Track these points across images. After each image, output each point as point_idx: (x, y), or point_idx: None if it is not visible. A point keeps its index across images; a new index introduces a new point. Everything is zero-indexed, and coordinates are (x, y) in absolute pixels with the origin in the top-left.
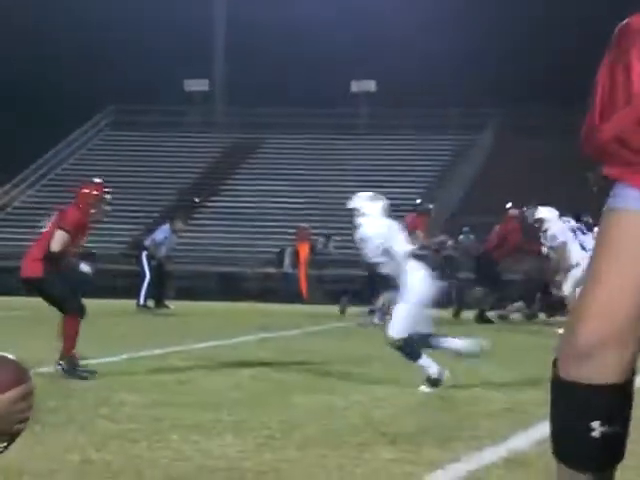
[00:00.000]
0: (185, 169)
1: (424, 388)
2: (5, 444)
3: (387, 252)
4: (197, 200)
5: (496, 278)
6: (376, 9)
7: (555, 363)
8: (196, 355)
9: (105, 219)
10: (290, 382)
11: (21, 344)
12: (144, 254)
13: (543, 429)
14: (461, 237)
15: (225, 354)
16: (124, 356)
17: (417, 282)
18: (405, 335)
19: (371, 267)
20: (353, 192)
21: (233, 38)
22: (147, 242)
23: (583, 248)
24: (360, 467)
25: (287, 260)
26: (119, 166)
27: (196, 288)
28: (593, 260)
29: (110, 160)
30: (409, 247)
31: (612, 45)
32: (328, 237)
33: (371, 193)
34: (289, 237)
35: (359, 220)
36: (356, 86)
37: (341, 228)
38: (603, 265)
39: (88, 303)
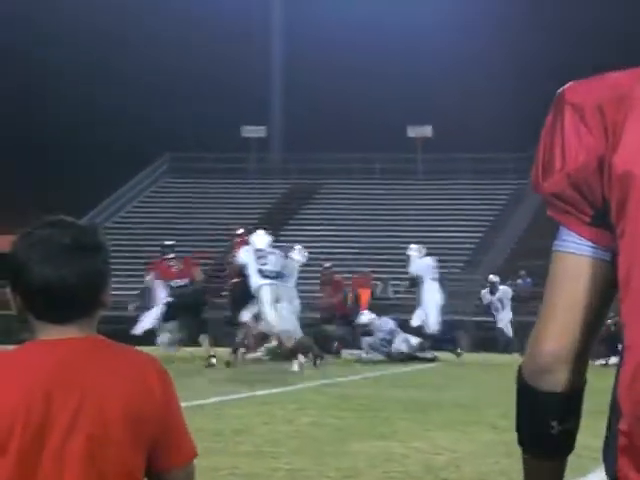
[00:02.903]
0: (243, 215)
1: None
2: None
3: None
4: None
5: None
6: (433, 55)
7: (520, 371)
8: (254, 402)
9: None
10: (349, 429)
11: None
12: None
13: (601, 475)
14: (519, 281)
15: (284, 401)
16: (183, 404)
17: None
18: None
19: None
20: (410, 237)
21: (290, 85)
22: None
23: None
24: None
25: (349, 305)
26: (176, 213)
27: None
28: (545, 293)
29: (168, 207)
30: None
31: (554, 107)
32: (386, 282)
33: None
34: (348, 282)
35: None
36: (412, 131)
37: (399, 273)
38: (553, 299)
39: (147, 350)
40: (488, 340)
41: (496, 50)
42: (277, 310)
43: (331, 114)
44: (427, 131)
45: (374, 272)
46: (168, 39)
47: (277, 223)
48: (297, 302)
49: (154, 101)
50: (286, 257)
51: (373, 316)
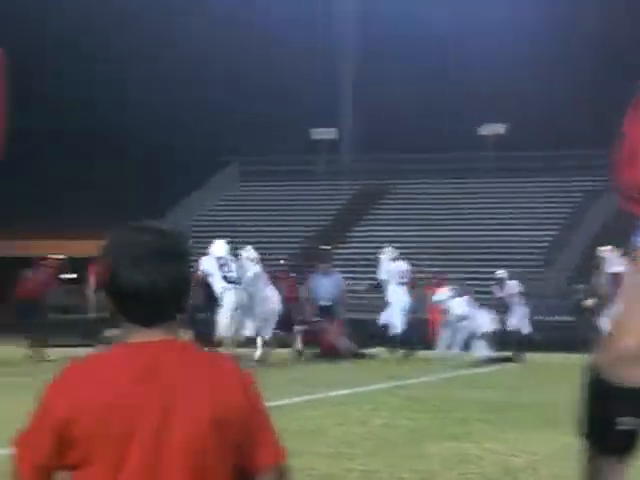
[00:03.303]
0: (314, 217)
1: None
2: None
3: None
4: (326, 247)
5: None
6: (505, 52)
7: (592, 366)
8: (328, 403)
9: None
10: (423, 430)
11: None
12: None
13: None
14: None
15: (357, 402)
16: None
17: None
18: None
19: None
20: (484, 236)
21: (360, 87)
22: None
23: None
24: None
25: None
26: (248, 216)
27: None
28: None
29: (240, 210)
30: None
31: (638, 99)
32: (462, 282)
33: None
34: (420, 283)
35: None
36: (485, 129)
37: (471, 272)
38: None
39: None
40: (564, 340)
41: (571, 47)
42: (233, 316)
43: (400, 114)
44: (499, 129)
45: (449, 272)
46: (244, 43)
47: (347, 224)
48: (268, 307)
49: (226, 105)
50: (240, 261)
51: (449, 294)
